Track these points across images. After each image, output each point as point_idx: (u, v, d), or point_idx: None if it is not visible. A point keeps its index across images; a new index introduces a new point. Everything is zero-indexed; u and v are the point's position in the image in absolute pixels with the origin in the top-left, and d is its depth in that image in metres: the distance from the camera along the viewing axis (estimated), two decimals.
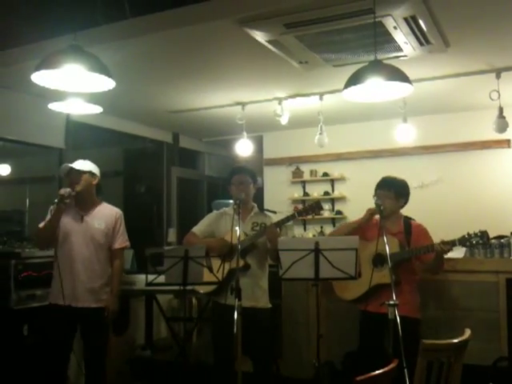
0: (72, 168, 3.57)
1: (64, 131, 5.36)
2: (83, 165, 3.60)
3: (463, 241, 3.28)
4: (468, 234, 3.27)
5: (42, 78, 3.07)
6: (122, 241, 3.66)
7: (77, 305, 3.44)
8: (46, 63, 2.97)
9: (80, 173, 3.55)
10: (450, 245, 3.24)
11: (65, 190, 3.44)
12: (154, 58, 4.20)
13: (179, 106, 5.71)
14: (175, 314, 5.09)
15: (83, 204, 3.58)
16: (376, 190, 3.49)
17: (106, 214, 3.63)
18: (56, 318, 3.47)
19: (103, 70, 3.04)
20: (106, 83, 3.14)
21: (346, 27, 3.48)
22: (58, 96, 4.16)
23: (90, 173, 3.60)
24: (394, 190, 3.46)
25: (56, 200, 3.41)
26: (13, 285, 4.10)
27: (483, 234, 3.25)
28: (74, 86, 3.31)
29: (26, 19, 3.61)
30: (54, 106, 4.41)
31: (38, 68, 2.97)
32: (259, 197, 4.39)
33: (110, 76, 3.04)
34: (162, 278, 3.26)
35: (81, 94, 4.00)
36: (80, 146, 5.43)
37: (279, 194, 7.08)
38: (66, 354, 3.49)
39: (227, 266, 3.36)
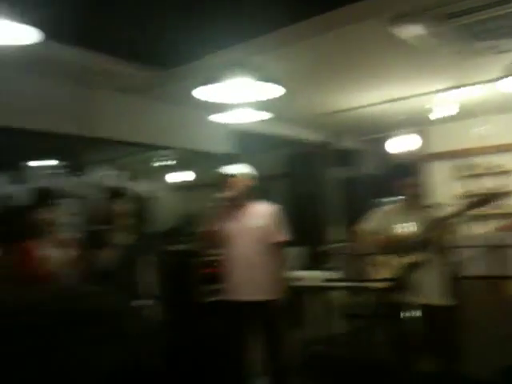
0: (228, 172, 3.78)
1: (233, 138, 5.70)
2: (238, 168, 3.79)
3: None
4: None
5: (208, 93, 3.31)
6: (282, 235, 3.77)
7: (247, 299, 3.62)
8: (212, 78, 3.19)
9: (236, 176, 3.73)
10: None
11: (222, 194, 3.68)
12: (313, 62, 4.31)
13: (337, 106, 5.77)
14: (350, 311, 5.10)
15: (241, 205, 3.78)
16: None
17: (264, 211, 3.78)
18: (233, 312, 3.70)
19: (270, 78, 3.19)
20: (273, 91, 3.29)
21: None
22: (223, 106, 4.43)
23: (246, 175, 3.78)
24: None
25: (214, 204, 3.65)
26: (196, 280, 4.47)
27: None
28: (241, 98, 3.54)
29: (189, 36, 3.86)
30: (219, 117, 4.70)
31: (204, 83, 3.22)
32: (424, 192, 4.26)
33: (277, 83, 3.19)
34: (335, 275, 3.32)
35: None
36: (247, 151, 5.70)
37: (444, 189, 6.79)
38: (244, 347, 3.72)
39: (400, 263, 3.33)
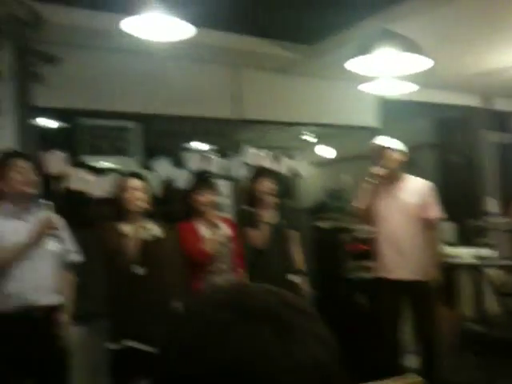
0: (381, 146, 3.73)
1: (376, 110, 5.58)
2: (391, 143, 3.74)
3: None
4: None
5: (353, 65, 3.27)
6: (435, 212, 3.68)
7: (403, 277, 3.61)
8: (360, 50, 3.15)
9: (389, 150, 3.70)
10: None
11: (377, 169, 3.64)
12: (461, 21, 4.02)
13: (492, 66, 5.34)
14: (506, 290, 4.83)
15: (393, 181, 3.72)
16: None
17: (416, 187, 3.71)
18: (384, 290, 3.71)
19: (417, 49, 3.08)
20: (422, 62, 3.17)
21: None
22: (369, 77, 4.33)
23: (398, 150, 3.71)
24: None
25: (368, 178, 3.63)
26: (345, 256, 4.53)
27: None
28: (387, 70, 3.45)
29: (331, 9, 3.81)
30: (364, 89, 4.61)
31: (352, 56, 3.18)
32: None
33: (424, 54, 3.06)
34: (490, 252, 3.17)
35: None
36: (392, 121, 5.56)
37: None
38: (397, 323, 3.70)
39: None
